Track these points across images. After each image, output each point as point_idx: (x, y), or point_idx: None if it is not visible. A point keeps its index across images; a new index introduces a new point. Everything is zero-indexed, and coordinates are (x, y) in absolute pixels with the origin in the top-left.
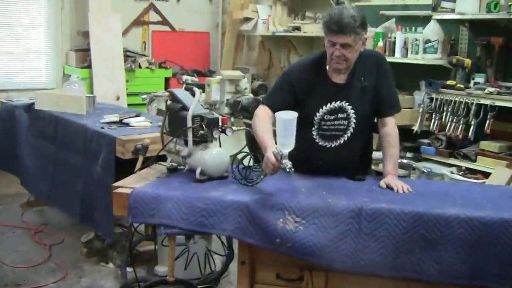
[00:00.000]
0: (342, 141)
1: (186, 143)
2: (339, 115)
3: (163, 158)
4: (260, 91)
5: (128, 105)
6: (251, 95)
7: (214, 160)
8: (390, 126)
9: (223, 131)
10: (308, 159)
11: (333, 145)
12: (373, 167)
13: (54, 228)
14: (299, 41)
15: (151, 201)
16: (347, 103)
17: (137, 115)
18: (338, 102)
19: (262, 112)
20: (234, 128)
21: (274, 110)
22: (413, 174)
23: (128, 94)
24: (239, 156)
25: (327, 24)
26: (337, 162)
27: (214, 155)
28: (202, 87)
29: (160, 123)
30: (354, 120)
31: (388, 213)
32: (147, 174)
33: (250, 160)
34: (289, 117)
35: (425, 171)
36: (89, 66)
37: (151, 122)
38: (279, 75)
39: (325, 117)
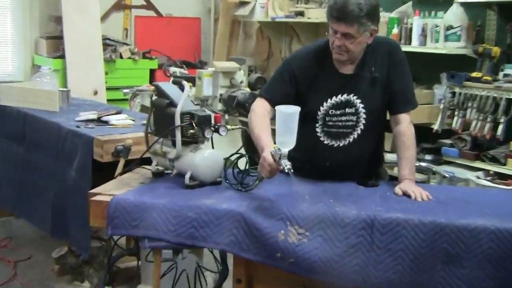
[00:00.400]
0: (351, 139)
1: (174, 144)
2: (347, 109)
3: (147, 161)
4: (258, 85)
5: (108, 100)
6: (248, 90)
7: (206, 163)
8: (405, 124)
9: (216, 131)
10: (311, 161)
11: (341, 144)
12: (387, 171)
13: (21, 242)
14: (303, 28)
15: (134, 210)
16: (355, 97)
17: (118, 112)
18: (345, 95)
19: (260, 107)
20: (228, 127)
21: (274, 103)
22: (433, 179)
23: (108, 88)
24: (234, 158)
25: (330, 9)
26: (345, 163)
27: (206, 158)
28: (192, 80)
29: (144, 122)
30: (364, 116)
31: (405, 224)
32: (129, 180)
33: (246, 162)
34: (290, 110)
35: (447, 175)
36: (62, 56)
37: (134, 120)
38: (279, 66)
39: (330, 112)
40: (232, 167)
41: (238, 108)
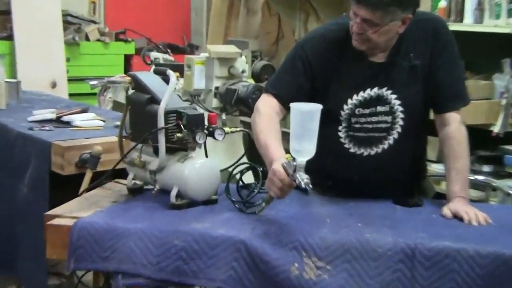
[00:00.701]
0: (385, 146)
1: (156, 152)
2: (379, 108)
3: (122, 174)
4: (265, 75)
5: (70, 95)
6: (252, 81)
7: (197, 177)
8: (454, 125)
9: (211, 134)
10: (334, 174)
11: (372, 153)
12: (433, 186)
13: None
14: (322, 2)
15: (104, 237)
16: (390, 91)
17: (84, 111)
18: (375, 89)
19: (266, 106)
20: (226, 129)
21: (283, 100)
22: (492, 198)
23: (70, 79)
24: (240, 170)
25: None
26: (377, 177)
27: (197, 169)
28: (179, 69)
29: (118, 123)
30: (401, 115)
31: (456, 255)
32: (98, 198)
33: (259, 178)
34: (309, 108)
35: (511, 192)
36: (10, 37)
37: (104, 121)
38: (290, 50)
39: (356, 111)
40: (237, 181)
41: (239, 105)
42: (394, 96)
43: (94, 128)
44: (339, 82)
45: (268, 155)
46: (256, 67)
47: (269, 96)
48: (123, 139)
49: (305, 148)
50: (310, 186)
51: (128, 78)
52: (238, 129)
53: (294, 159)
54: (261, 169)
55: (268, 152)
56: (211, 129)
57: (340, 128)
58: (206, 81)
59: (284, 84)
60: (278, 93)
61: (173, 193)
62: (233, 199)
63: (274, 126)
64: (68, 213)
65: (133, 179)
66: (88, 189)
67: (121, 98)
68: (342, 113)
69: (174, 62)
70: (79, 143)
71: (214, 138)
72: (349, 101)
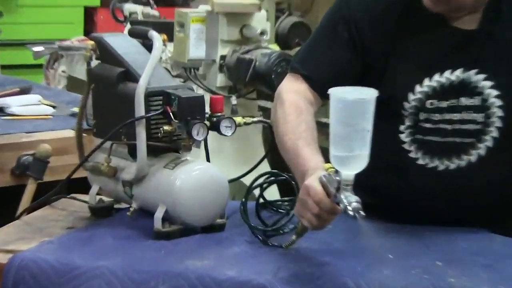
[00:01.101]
0: (474, 158)
1: (133, 154)
2: (463, 100)
3: (82, 187)
4: (295, 38)
5: (3, 67)
6: (276, 48)
7: (194, 190)
8: None
9: (215, 127)
10: (394, 194)
11: (452, 166)
12: None
13: None
14: None
15: (54, 281)
16: (482, 75)
17: (24, 91)
18: (459, 72)
19: (292, 92)
20: (238, 119)
21: (319, 85)
22: None
23: (3, 44)
24: (261, 181)
25: None
26: (461, 201)
27: (194, 180)
28: (167, 29)
29: (76, 109)
30: (499, 112)
31: None
32: (45, 222)
33: (295, 190)
34: (358, 96)
35: None
36: None
37: (54, 107)
38: (331, 7)
39: (428, 104)
40: (256, 198)
41: (257, 83)
42: (488, 83)
43: (39, 117)
44: (403, 59)
45: (298, 164)
46: (282, 26)
47: (298, 78)
48: (84, 134)
49: (353, 157)
50: (362, 212)
51: (90, 43)
52: (255, 119)
53: (337, 172)
54: (283, 177)
55: (298, 161)
56: (215, 119)
57: (402, 128)
58: (207, 47)
59: (319, 60)
60: (310, 74)
61: (158, 215)
62: (258, 227)
63: (305, 122)
64: (1, 245)
65: (98, 194)
66: (30, 209)
67: (80, 73)
68: (407, 105)
69: (159, 20)
70: (17, 140)
71: (220, 133)
72: (418, 88)
